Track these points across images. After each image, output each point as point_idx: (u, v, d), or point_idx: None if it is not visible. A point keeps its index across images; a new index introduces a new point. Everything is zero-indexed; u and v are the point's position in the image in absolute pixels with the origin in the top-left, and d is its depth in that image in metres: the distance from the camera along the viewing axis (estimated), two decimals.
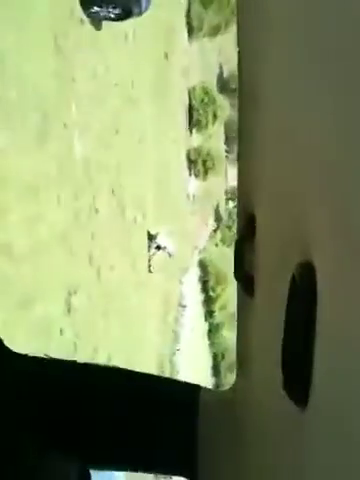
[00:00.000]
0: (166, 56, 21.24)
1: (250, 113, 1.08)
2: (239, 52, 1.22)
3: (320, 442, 0.69)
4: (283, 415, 0.85)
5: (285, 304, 0.80)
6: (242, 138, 1.15)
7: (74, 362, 1.62)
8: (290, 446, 0.84)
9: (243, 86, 1.19)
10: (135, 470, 1.73)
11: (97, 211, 10.03)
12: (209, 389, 1.53)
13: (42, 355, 1.79)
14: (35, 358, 1.72)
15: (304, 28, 0.79)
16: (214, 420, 1.38)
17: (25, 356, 1.67)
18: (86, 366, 1.65)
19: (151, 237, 15.26)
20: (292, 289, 0.78)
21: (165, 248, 15.39)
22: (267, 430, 1.00)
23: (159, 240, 15.24)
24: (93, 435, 1.49)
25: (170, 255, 15.93)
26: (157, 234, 15.37)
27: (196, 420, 1.40)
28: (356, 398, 0.55)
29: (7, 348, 1.66)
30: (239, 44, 1.23)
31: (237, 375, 1.36)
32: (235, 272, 1.23)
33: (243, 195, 1.21)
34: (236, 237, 1.27)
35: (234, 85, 41.19)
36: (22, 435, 1.53)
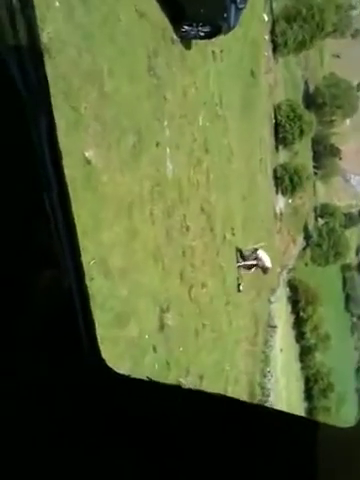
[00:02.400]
0: (252, 73, 21.21)
1: None
2: None
3: None
4: None
5: None
6: None
7: (178, 387, 1.54)
8: None
9: None
10: None
11: (188, 228, 10.03)
12: (329, 424, 1.43)
13: (144, 377, 1.75)
14: (139, 381, 1.67)
15: None
16: (336, 456, 1.30)
17: (129, 378, 1.62)
18: (191, 393, 1.56)
19: (242, 255, 15.09)
20: None
21: (256, 265, 15.10)
22: None
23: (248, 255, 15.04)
24: (199, 462, 1.41)
25: (264, 271, 15.54)
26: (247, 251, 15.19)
27: (316, 453, 1.31)
28: None
29: (113, 372, 1.62)
30: None
31: None
32: None
33: None
34: None
35: (320, 100, 40.37)
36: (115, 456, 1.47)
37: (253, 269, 15.30)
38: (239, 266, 15.08)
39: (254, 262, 15.08)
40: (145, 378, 1.70)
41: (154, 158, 8.51)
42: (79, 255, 2.01)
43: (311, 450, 1.33)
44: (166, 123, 9.08)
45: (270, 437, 1.41)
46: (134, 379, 1.62)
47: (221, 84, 13.66)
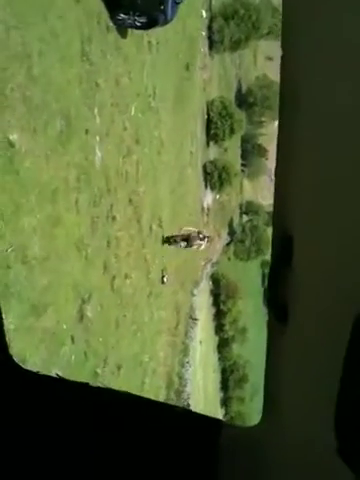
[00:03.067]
0: (187, 68, 21.32)
1: (291, 117, 1.00)
2: (283, 55, 1.15)
3: None
4: (334, 476, 0.78)
5: (337, 351, 0.71)
6: (281, 151, 1.05)
7: (86, 385, 1.55)
8: None
9: (285, 91, 1.12)
10: None
11: (114, 218, 9.96)
12: (232, 425, 1.49)
13: (53, 374, 1.73)
14: (47, 378, 1.65)
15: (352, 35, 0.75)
16: (237, 457, 1.34)
17: (36, 375, 1.60)
18: (100, 391, 1.58)
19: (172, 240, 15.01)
20: (356, 337, 0.69)
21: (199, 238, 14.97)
22: None
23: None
24: (109, 461, 1.42)
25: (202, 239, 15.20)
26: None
27: (218, 455, 1.36)
28: None
29: (18, 367, 1.60)
30: (283, 48, 1.16)
31: (264, 412, 1.28)
32: (269, 299, 1.16)
33: (280, 215, 1.10)
34: (271, 260, 1.17)
35: (252, 100, 41.38)
36: (29, 465, 1.46)
37: (197, 243, 14.98)
38: (184, 247, 15.02)
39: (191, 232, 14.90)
40: (55, 375, 1.68)
41: (82, 145, 8.35)
42: None
43: (213, 449, 1.35)
44: (97, 111, 8.93)
45: (174, 435, 1.45)
46: (43, 376, 1.60)
47: (156, 76, 13.62)
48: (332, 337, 0.75)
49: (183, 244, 15.03)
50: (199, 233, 15.20)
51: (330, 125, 0.82)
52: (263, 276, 46.03)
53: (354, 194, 0.72)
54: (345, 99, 0.76)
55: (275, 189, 1.12)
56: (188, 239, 14.89)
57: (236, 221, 36.00)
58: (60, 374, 1.84)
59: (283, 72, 1.13)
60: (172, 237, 15.11)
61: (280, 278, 1.04)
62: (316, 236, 0.88)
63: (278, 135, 1.09)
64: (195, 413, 1.52)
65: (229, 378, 32.98)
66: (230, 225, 34.85)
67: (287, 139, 1.03)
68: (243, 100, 38.77)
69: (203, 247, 15.64)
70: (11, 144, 5.82)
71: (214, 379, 31.85)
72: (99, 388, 1.58)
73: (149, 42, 12.51)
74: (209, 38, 27.19)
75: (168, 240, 15.06)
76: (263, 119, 40.52)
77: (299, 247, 0.95)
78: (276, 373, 1.14)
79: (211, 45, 27.62)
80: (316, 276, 0.89)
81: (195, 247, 15.09)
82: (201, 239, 15.02)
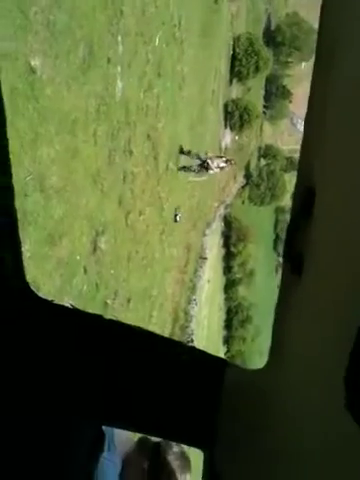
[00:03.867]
0: (216, 0, 20.30)
1: (326, 72, 0.96)
2: (322, 9, 1.08)
3: None
4: (337, 431, 0.80)
5: (354, 307, 0.72)
6: (313, 100, 1.01)
7: (100, 318, 1.59)
8: (345, 463, 0.79)
9: (322, 43, 1.06)
10: (152, 434, 1.72)
11: (131, 153, 9.88)
12: (236, 366, 1.51)
13: (68, 304, 1.78)
14: (62, 308, 1.69)
15: None
16: (239, 399, 1.36)
17: (51, 304, 1.65)
18: (113, 323, 1.62)
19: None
20: None
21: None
22: (309, 433, 0.93)
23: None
24: (114, 393, 1.49)
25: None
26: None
27: (220, 395, 1.39)
28: None
29: (35, 295, 1.64)
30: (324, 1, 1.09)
31: (270, 356, 1.29)
32: (285, 249, 1.14)
33: (305, 164, 1.07)
34: (291, 211, 1.15)
35: (280, 38, 39.62)
36: (40, 389, 1.52)
37: (216, 166, 13.95)
38: (198, 172, 14.23)
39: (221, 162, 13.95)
40: (69, 305, 1.72)
41: (104, 75, 8.15)
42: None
43: (216, 388, 1.38)
44: (120, 39, 8.64)
45: (178, 370, 1.47)
46: (57, 305, 1.64)
47: (182, 5, 13.02)
48: (347, 293, 0.75)
49: (197, 166, 14.05)
50: (220, 157, 14.30)
51: None
52: (276, 222, 45.94)
53: None
54: None
55: (303, 139, 1.09)
56: (205, 163, 13.86)
57: (253, 164, 35.48)
58: (73, 304, 1.89)
59: (322, 15, 1.08)
60: (189, 152, 13.98)
61: (299, 230, 1.04)
62: (339, 191, 0.88)
63: (312, 81, 1.06)
64: (201, 351, 1.55)
65: (233, 318, 33.77)
66: (247, 168, 34.40)
67: (321, 88, 1.00)
68: (271, 38, 37.02)
69: (225, 169, 14.48)
70: (33, 70, 5.70)
71: (219, 318, 32.64)
72: (111, 321, 1.62)
73: None
74: None
75: (183, 167, 14.29)
76: (290, 60, 38.92)
77: (321, 201, 0.95)
78: (285, 325, 1.16)
79: None
80: (335, 232, 0.89)
81: (214, 170, 13.98)
82: (224, 162, 14.05)
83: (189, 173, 14.75)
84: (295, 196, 1.10)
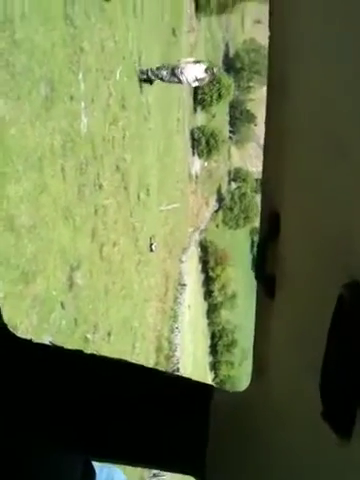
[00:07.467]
0: (173, 32, 20.86)
1: (279, 102, 1.00)
2: (270, 41, 1.13)
3: None
4: (320, 441, 0.80)
5: (323, 320, 0.73)
6: (270, 130, 1.05)
7: (80, 353, 1.58)
8: (329, 473, 0.80)
9: (273, 75, 1.11)
10: (143, 465, 1.69)
11: (101, 186, 9.93)
12: (222, 390, 1.50)
13: (47, 342, 1.76)
14: (41, 347, 1.67)
15: (338, 23, 0.73)
16: (227, 422, 1.36)
17: (30, 343, 1.63)
18: (94, 358, 1.61)
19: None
20: (339, 311, 0.71)
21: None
22: (295, 447, 0.94)
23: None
24: (101, 428, 1.47)
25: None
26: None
27: (208, 420, 1.38)
28: None
29: (13, 335, 1.62)
30: (271, 31, 1.14)
31: (253, 378, 1.31)
32: (256, 272, 1.16)
33: (268, 191, 1.10)
34: (259, 235, 1.17)
35: (239, 64, 40.68)
36: (27, 426, 1.50)
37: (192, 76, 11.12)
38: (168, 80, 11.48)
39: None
40: (48, 342, 1.70)
41: (67, 111, 8.24)
42: None
43: (204, 415, 1.38)
44: (81, 76, 8.78)
45: (165, 400, 1.47)
46: (35, 343, 1.62)
47: (141, 39, 13.33)
48: (318, 309, 0.77)
49: (166, 73, 11.41)
50: (198, 62, 11.58)
51: (320, 101, 0.81)
52: (252, 243, 46.35)
53: (339, 174, 0.74)
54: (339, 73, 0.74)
55: (263, 165, 1.13)
56: (176, 70, 11.25)
57: (224, 188, 35.94)
58: (52, 341, 1.86)
59: (272, 38, 1.12)
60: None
61: (267, 254, 1.04)
62: (302, 213, 0.90)
63: (266, 108, 1.06)
64: (186, 378, 1.55)
65: (218, 343, 33.60)
66: (218, 192, 34.83)
67: (276, 116, 1.03)
68: (231, 65, 38.05)
69: (206, 81, 11.65)
70: None
71: (203, 343, 32.41)
72: (93, 355, 1.61)
73: (134, 4, 12.20)
74: (195, 1, 26.53)
75: (147, 78, 11.80)
76: (251, 84, 39.94)
77: (285, 223, 0.96)
78: (264, 345, 1.18)
79: (197, 7, 26.97)
80: (302, 251, 0.91)
81: (190, 82, 11.31)
82: (203, 71, 11.11)
83: (155, 81, 12.04)
84: (261, 219, 1.12)
